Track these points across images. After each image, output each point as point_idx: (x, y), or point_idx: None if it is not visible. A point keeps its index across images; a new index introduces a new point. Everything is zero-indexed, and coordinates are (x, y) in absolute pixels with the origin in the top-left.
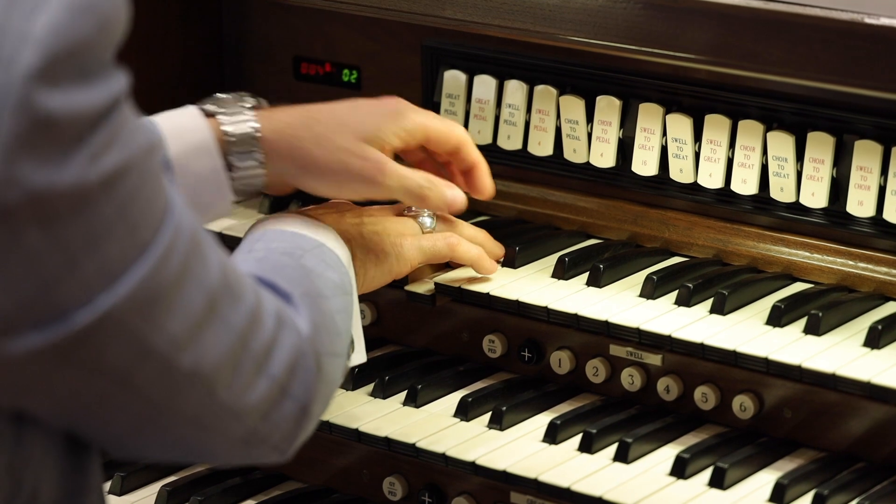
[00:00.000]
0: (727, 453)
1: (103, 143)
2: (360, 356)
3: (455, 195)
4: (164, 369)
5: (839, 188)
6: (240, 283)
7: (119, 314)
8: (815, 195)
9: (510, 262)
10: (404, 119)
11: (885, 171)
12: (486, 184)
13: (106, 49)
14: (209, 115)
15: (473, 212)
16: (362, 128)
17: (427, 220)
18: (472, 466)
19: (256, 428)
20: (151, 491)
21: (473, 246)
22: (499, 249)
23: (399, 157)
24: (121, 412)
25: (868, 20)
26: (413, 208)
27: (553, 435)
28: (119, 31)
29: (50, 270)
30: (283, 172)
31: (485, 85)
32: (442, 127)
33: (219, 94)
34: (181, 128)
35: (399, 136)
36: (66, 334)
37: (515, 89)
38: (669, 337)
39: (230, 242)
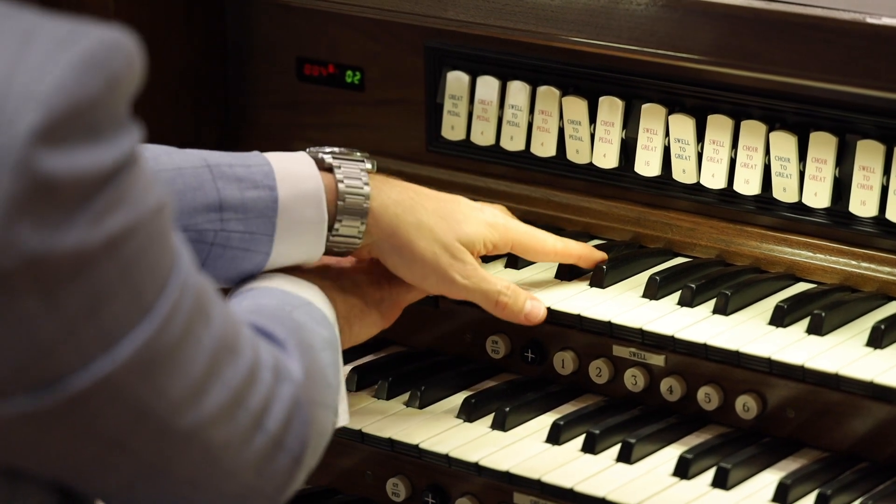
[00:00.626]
0: (730, 453)
1: (108, 204)
2: (344, 417)
3: (535, 307)
4: (161, 432)
5: (842, 188)
6: (238, 336)
7: (117, 379)
8: (818, 195)
9: (513, 263)
10: (496, 232)
11: (887, 171)
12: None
13: (116, 106)
14: (324, 167)
15: None
16: (460, 228)
17: None
18: (476, 467)
19: (251, 483)
20: None
21: None
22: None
23: None
24: (114, 472)
25: (870, 20)
26: None
27: (556, 436)
28: (132, 86)
29: (47, 335)
30: (376, 246)
31: (487, 86)
32: (531, 242)
33: (333, 148)
34: (294, 171)
35: (487, 247)
36: (60, 399)
37: (518, 90)
38: (672, 337)
39: None
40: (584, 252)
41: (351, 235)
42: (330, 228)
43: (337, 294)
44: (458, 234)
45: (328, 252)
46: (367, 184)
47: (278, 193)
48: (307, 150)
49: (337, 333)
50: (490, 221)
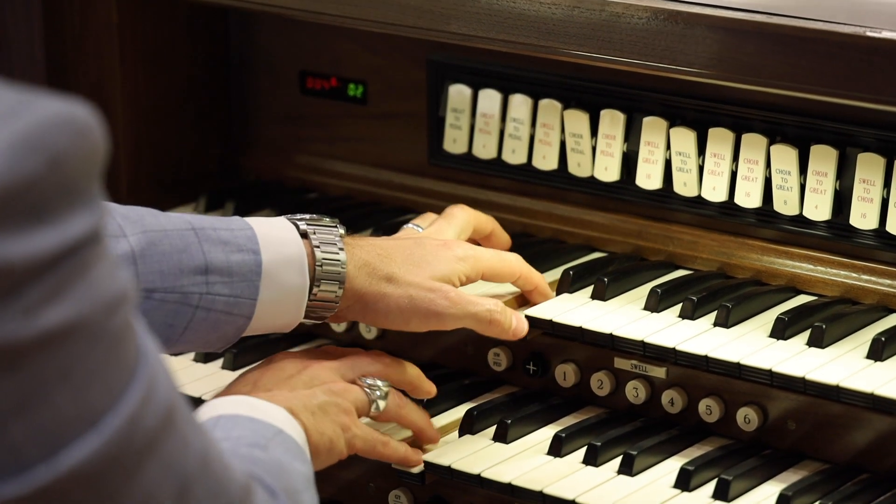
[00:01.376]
0: (731, 465)
1: (45, 295)
2: None
3: (521, 321)
4: None
5: (842, 201)
6: (226, 474)
7: (59, 490)
8: (819, 208)
9: None
10: (467, 264)
11: (887, 184)
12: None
13: (63, 187)
14: (302, 234)
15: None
16: (433, 269)
17: (379, 393)
18: (478, 479)
19: None
20: None
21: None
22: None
23: None
24: None
25: (870, 33)
26: (367, 380)
27: (558, 448)
28: (88, 162)
29: None
30: (351, 309)
31: (489, 99)
32: (500, 268)
33: (304, 215)
34: (276, 236)
35: (462, 280)
36: None
37: (520, 103)
38: (674, 349)
39: None
40: (540, 284)
41: (328, 301)
42: (309, 295)
43: (305, 417)
44: (431, 274)
45: (305, 317)
46: (342, 249)
47: (262, 258)
48: (284, 216)
49: (309, 459)
50: (459, 256)
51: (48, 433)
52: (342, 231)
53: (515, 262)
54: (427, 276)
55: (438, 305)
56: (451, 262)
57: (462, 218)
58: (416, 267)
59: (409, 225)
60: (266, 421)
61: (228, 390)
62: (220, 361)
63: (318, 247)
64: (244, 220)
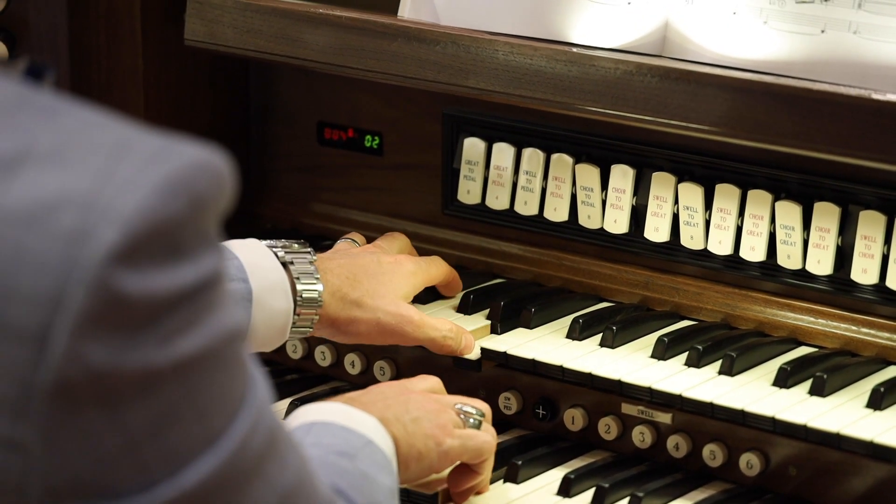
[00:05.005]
0: None
1: (180, 326)
2: None
3: (469, 342)
4: None
5: (844, 256)
6: (317, 492)
7: None
8: (821, 263)
9: (526, 322)
10: (419, 278)
11: (888, 241)
12: (458, 290)
13: (200, 227)
14: (282, 263)
15: (490, 274)
16: (396, 289)
17: (472, 418)
18: None
19: None
20: None
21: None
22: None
23: None
24: None
25: (875, 96)
26: (464, 407)
27: (567, 489)
28: (219, 205)
29: (108, 449)
30: (320, 331)
31: (503, 152)
32: (441, 274)
33: (278, 242)
34: (260, 264)
35: (418, 291)
36: None
37: (532, 157)
38: (680, 396)
39: None
40: (455, 278)
41: (304, 326)
42: (292, 317)
43: (398, 429)
44: (395, 294)
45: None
46: (318, 279)
47: (251, 286)
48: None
49: (396, 472)
50: (412, 270)
51: (175, 453)
52: (314, 258)
53: (444, 265)
54: (392, 297)
55: (403, 329)
56: (408, 278)
57: (402, 239)
58: (381, 287)
59: (344, 239)
60: (358, 430)
61: (325, 399)
62: None
63: (297, 278)
64: (228, 249)
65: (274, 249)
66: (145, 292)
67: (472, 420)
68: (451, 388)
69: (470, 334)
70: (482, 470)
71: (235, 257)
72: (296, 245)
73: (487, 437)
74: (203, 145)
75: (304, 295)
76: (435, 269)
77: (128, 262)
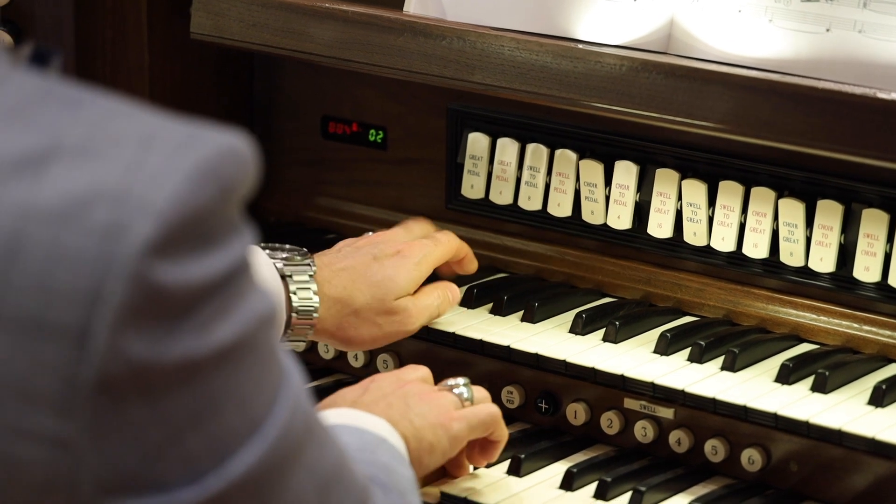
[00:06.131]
0: None
1: (215, 314)
2: None
3: (455, 292)
4: None
5: (846, 254)
6: (353, 476)
7: (228, 497)
8: (823, 260)
9: (529, 317)
10: (423, 267)
11: (890, 239)
12: (473, 266)
13: (228, 214)
14: (281, 275)
15: (493, 269)
16: (395, 288)
17: (464, 391)
18: None
19: None
20: None
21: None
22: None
23: None
24: None
25: (880, 94)
26: (448, 382)
27: (569, 482)
28: (245, 190)
29: (152, 443)
30: (318, 338)
31: (507, 147)
32: (444, 254)
33: (283, 251)
34: (258, 273)
35: (421, 280)
36: None
37: (536, 152)
38: (682, 391)
39: None
40: (469, 253)
41: (299, 339)
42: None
43: (405, 426)
44: (395, 293)
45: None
46: (315, 293)
47: None
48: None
49: (410, 465)
50: (416, 261)
51: (219, 442)
52: (314, 270)
53: (454, 242)
54: (391, 298)
55: (403, 329)
56: (409, 272)
57: (422, 227)
58: (378, 290)
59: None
60: (371, 431)
61: (329, 404)
62: None
63: (294, 293)
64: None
65: (274, 260)
66: (181, 283)
67: (465, 393)
68: None
69: (453, 285)
70: (498, 436)
71: None
72: (297, 257)
73: (488, 408)
74: (228, 130)
75: (299, 310)
76: (440, 251)
77: (164, 254)
